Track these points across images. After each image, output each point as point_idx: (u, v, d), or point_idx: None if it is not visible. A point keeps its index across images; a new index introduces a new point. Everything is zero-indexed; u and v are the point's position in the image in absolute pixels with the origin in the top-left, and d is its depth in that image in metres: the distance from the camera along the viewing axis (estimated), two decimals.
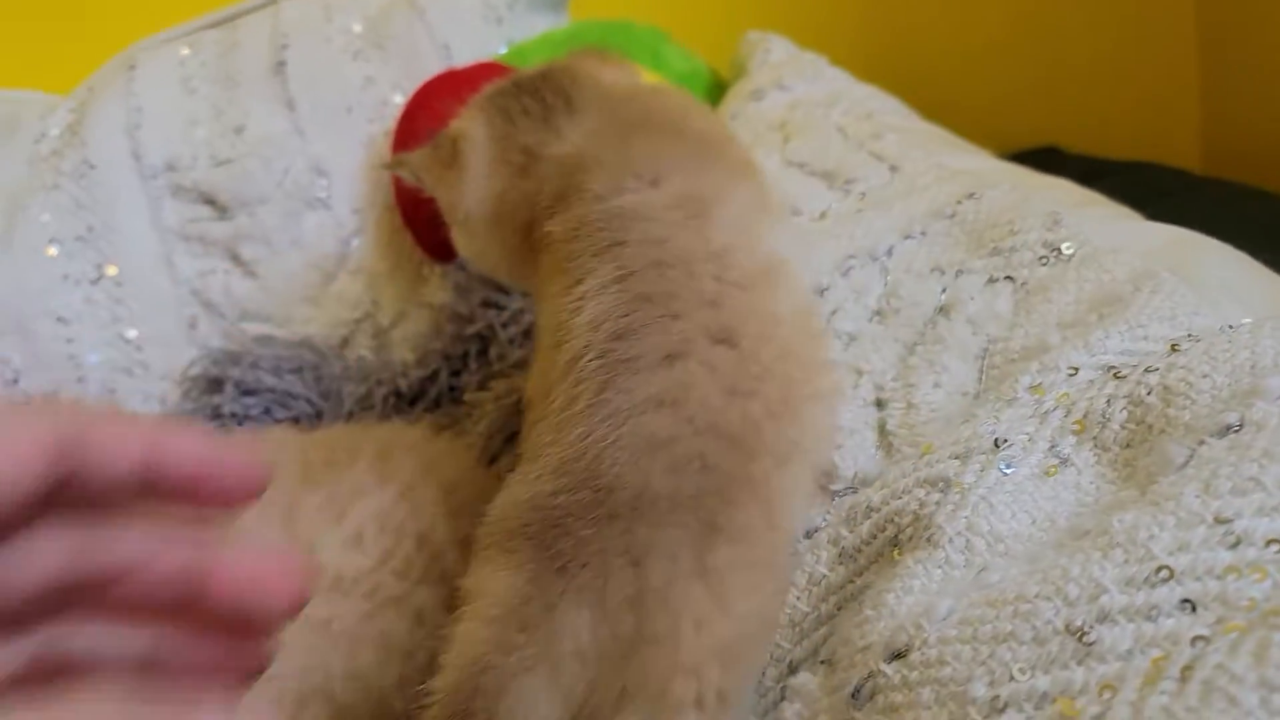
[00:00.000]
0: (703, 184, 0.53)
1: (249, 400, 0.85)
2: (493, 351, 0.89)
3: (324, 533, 0.58)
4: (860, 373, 0.58)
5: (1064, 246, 0.58)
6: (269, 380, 0.86)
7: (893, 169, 0.73)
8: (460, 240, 0.65)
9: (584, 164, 0.54)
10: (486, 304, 0.93)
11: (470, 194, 0.61)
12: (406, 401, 0.89)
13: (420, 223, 0.92)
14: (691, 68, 1.01)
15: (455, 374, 0.91)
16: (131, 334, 0.96)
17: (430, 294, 0.98)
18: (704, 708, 0.42)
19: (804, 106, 0.86)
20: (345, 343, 0.97)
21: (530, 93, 0.61)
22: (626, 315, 0.47)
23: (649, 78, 0.76)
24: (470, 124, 0.62)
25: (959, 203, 0.65)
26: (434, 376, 0.90)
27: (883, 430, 0.55)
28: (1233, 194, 1.04)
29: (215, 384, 0.86)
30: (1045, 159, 0.89)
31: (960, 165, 0.73)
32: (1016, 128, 1.36)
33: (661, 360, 0.46)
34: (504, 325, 0.90)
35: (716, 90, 1.03)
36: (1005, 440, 0.46)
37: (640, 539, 0.43)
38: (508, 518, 0.46)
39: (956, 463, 0.46)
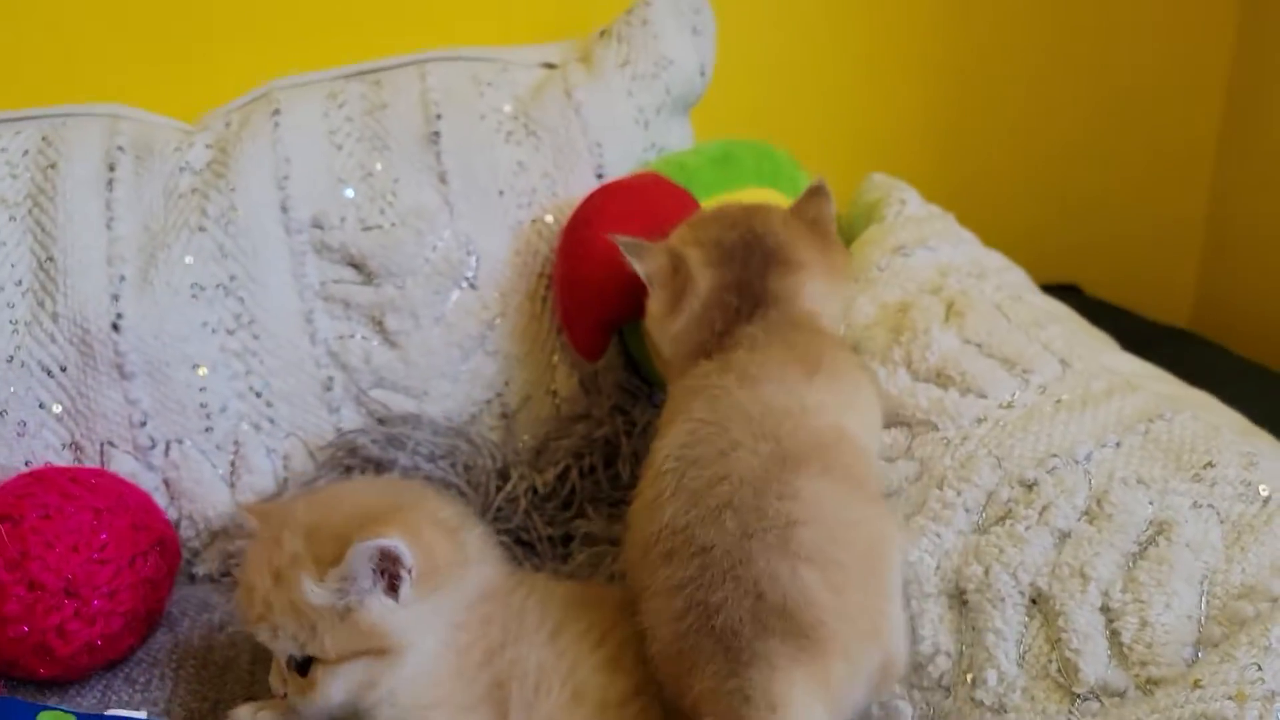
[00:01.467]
0: (788, 376, 0.70)
1: None
2: (618, 463, 0.93)
3: (585, 655, 0.66)
4: (1085, 578, 0.66)
5: (1261, 488, 0.67)
6: (425, 466, 0.88)
7: (1063, 364, 0.81)
8: (651, 330, 0.79)
9: (740, 362, 0.71)
10: (616, 409, 0.97)
11: (675, 323, 0.76)
12: (543, 499, 0.92)
13: (577, 320, 0.95)
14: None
15: (583, 475, 0.94)
16: (263, 388, 0.95)
17: (556, 383, 1.01)
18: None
19: (955, 274, 0.93)
20: (472, 420, 0.99)
21: (746, 265, 0.75)
22: (693, 432, 0.66)
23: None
24: (698, 271, 0.76)
25: (1151, 421, 0.73)
26: (565, 475, 0.93)
27: (1115, 639, 0.63)
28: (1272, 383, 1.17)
29: (377, 465, 0.87)
30: (1067, 297, 1.00)
31: (1124, 369, 0.82)
32: (1041, 260, 1.48)
33: (718, 454, 0.63)
34: (628, 434, 0.94)
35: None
36: (1276, 693, 0.54)
37: (750, 572, 0.58)
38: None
39: (1233, 705, 0.54)
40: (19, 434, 0.89)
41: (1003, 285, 0.93)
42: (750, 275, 0.75)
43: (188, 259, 0.94)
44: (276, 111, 1.02)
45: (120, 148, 0.99)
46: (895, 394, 0.82)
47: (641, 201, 0.95)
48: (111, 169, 0.98)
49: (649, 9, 1.09)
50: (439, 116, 1.03)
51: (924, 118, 1.42)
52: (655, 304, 0.78)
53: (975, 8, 1.39)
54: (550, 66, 1.11)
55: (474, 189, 1.01)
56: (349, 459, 0.90)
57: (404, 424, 0.93)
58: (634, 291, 0.84)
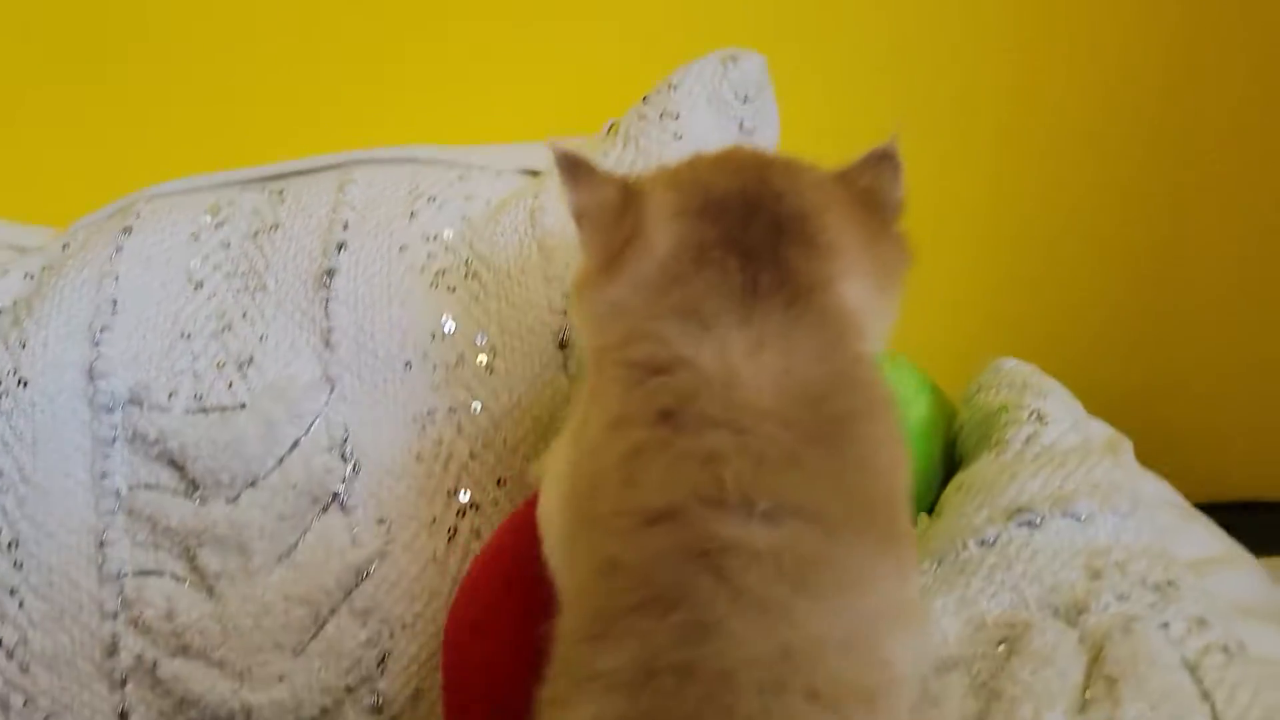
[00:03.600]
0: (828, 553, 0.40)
1: None
2: None
3: None
4: None
5: None
6: None
7: None
8: (573, 301, 0.53)
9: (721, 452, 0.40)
10: None
11: (609, 290, 0.47)
12: None
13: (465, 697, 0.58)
14: (930, 415, 0.67)
15: None
16: (18, 645, 0.64)
17: None
18: None
19: (1118, 578, 0.52)
20: (325, 714, 0.65)
21: (745, 227, 0.46)
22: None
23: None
24: (655, 222, 0.47)
25: None
26: None
27: None
28: None
29: None
30: None
31: None
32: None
33: None
34: None
35: (941, 422, 0.69)
36: None
37: None
38: None
39: None
40: None
41: (1207, 608, 0.51)
42: (751, 240, 0.46)
43: None
44: (127, 230, 0.73)
45: None
46: None
47: None
48: None
49: (672, 95, 0.73)
50: (341, 246, 0.71)
51: (1093, 283, 0.97)
52: (585, 257, 0.50)
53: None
54: (533, 174, 0.78)
55: (368, 356, 0.68)
56: None
57: None
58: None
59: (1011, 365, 0.69)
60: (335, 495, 0.65)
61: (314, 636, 0.64)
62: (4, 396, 0.66)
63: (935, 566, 0.57)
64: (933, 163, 0.94)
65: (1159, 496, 0.60)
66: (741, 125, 0.74)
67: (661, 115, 0.73)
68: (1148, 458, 0.63)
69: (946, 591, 0.55)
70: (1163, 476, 0.66)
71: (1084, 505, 0.56)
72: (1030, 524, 0.56)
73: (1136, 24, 0.92)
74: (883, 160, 0.50)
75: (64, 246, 0.74)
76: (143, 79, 0.92)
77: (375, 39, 0.90)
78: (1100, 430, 0.64)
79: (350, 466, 0.66)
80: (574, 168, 0.49)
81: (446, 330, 0.68)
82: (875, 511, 0.42)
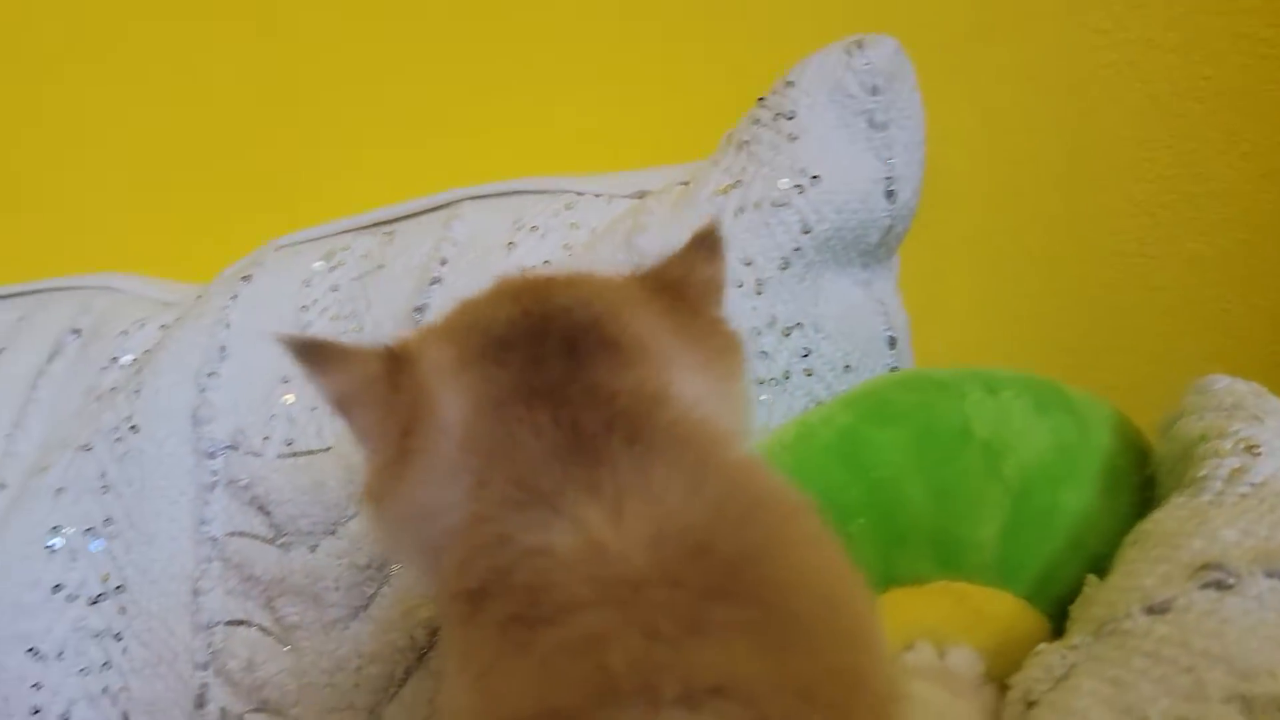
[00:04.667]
0: None
1: None
2: None
3: None
4: None
5: None
6: None
7: None
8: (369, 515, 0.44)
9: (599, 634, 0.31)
10: None
11: (403, 498, 0.39)
12: None
13: None
14: (1078, 438, 0.53)
15: None
16: (121, 691, 0.64)
17: None
18: None
19: None
20: None
21: (540, 360, 0.38)
22: None
23: None
24: (439, 380, 0.39)
25: None
26: None
27: None
28: None
29: None
30: None
31: None
32: None
33: None
34: None
35: (1130, 465, 0.54)
36: None
37: None
38: None
39: None
40: None
41: None
42: (549, 373, 0.38)
43: (60, 488, 0.67)
44: (247, 278, 0.73)
45: (76, 330, 0.76)
46: None
47: None
48: (50, 359, 0.75)
49: (788, 92, 0.65)
50: (434, 281, 0.67)
51: None
52: (366, 455, 0.41)
53: None
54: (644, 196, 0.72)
55: None
56: None
57: None
58: None
59: (1224, 384, 0.54)
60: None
61: (391, 698, 0.59)
62: (118, 443, 0.67)
63: (1089, 640, 0.43)
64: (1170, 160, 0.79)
65: None
66: (871, 120, 0.64)
67: (776, 116, 0.65)
68: None
69: (1098, 673, 0.41)
70: None
71: None
72: (1220, 585, 0.42)
73: None
74: (697, 246, 0.44)
75: (197, 298, 0.76)
76: (287, 136, 0.96)
77: (483, 74, 0.89)
78: None
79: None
80: (314, 353, 0.40)
81: None
82: (820, 664, 0.31)
